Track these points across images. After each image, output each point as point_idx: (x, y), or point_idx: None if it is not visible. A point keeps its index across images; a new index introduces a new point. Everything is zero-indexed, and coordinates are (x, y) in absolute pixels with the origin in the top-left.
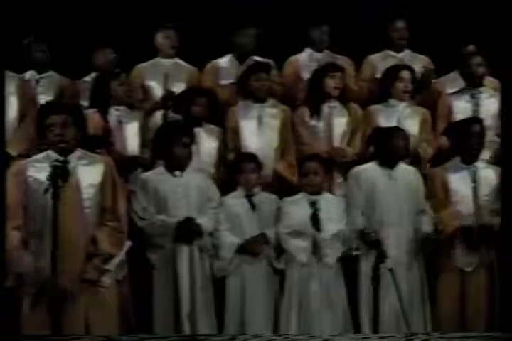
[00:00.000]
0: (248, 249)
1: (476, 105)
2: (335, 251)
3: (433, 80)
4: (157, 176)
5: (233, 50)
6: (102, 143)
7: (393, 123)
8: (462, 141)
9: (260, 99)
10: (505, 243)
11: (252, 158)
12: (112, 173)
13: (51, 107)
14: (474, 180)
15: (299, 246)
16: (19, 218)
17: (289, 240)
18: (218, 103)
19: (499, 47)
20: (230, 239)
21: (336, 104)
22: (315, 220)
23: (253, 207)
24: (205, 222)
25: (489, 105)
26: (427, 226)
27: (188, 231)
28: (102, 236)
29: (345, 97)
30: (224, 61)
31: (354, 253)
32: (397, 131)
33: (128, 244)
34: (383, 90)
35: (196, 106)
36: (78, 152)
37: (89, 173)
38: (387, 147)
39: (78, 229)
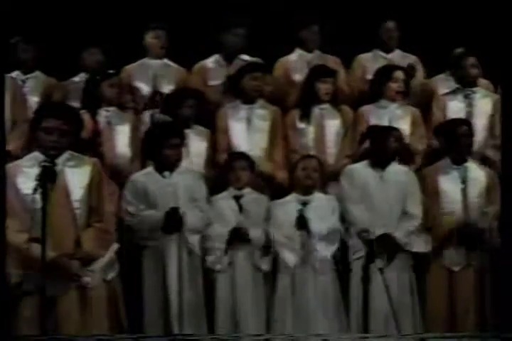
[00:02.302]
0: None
1: (470, 105)
2: (326, 252)
3: (425, 80)
4: (146, 177)
5: (221, 50)
6: (90, 145)
7: (384, 124)
8: (451, 142)
9: (250, 100)
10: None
11: (242, 156)
12: (98, 174)
13: (50, 110)
14: (464, 180)
15: (290, 256)
16: (20, 220)
17: (282, 245)
18: (207, 104)
19: (491, 47)
20: (218, 231)
21: (326, 106)
22: (302, 222)
23: (240, 208)
24: (190, 214)
25: (483, 105)
26: (400, 232)
27: (174, 219)
28: (87, 236)
29: (336, 100)
30: (211, 61)
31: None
32: (392, 131)
33: (115, 246)
34: (375, 90)
35: (185, 108)
36: (66, 154)
37: (77, 175)
38: (380, 147)
39: (69, 231)
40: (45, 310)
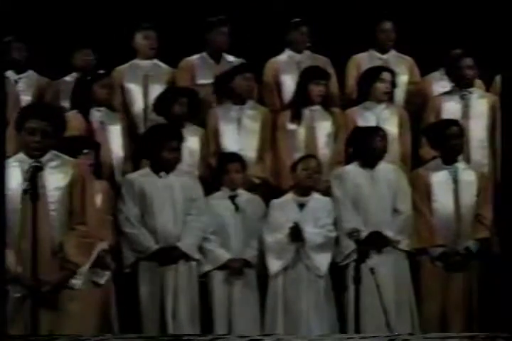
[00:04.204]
0: (229, 266)
1: (466, 106)
2: (323, 260)
3: (420, 80)
4: (143, 177)
5: (206, 48)
6: (89, 144)
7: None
8: (440, 143)
9: (240, 101)
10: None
11: (235, 158)
12: (81, 176)
13: (34, 110)
14: (455, 181)
15: (274, 263)
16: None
17: (269, 250)
18: (200, 102)
19: (486, 48)
20: (216, 254)
21: (317, 107)
22: (297, 234)
23: (236, 208)
24: (189, 243)
25: (479, 106)
26: (391, 230)
27: (172, 256)
28: (69, 244)
29: (327, 102)
30: (198, 58)
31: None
32: (375, 130)
33: (103, 244)
34: (362, 91)
35: (178, 106)
36: (49, 154)
37: (56, 176)
38: (366, 147)
39: (44, 232)
40: (35, 309)
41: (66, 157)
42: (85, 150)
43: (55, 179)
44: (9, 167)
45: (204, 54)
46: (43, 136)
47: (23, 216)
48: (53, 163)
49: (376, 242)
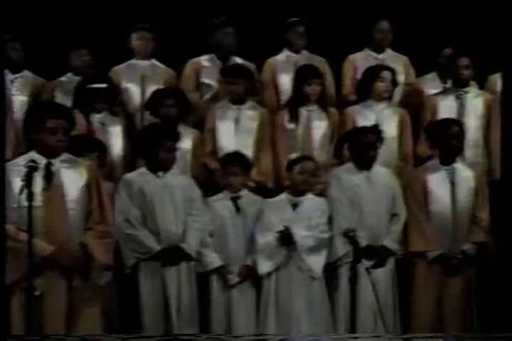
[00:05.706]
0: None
1: (462, 106)
2: (317, 261)
3: (414, 80)
4: (141, 176)
5: (214, 50)
6: (96, 145)
7: (371, 124)
8: (440, 142)
9: (239, 101)
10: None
11: (232, 160)
12: (96, 176)
13: (53, 110)
14: (452, 181)
15: (264, 264)
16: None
17: (260, 251)
18: (188, 103)
19: (482, 48)
20: (208, 259)
21: (314, 107)
22: (287, 239)
23: (237, 209)
24: (191, 244)
25: (474, 105)
26: (389, 239)
27: (175, 257)
28: (93, 245)
29: (324, 101)
30: (206, 59)
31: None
32: (367, 133)
33: None
34: (362, 90)
35: (164, 107)
36: (61, 155)
37: (72, 176)
38: (359, 150)
39: (63, 232)
40: (31, 308)
41: (77, 158)
42: (91, 153)
43: (72, 179)
44: (20, 165)
45: (213, 55)
46: (63, 134)
47: (42, 215)
48: (67, 164)
49: (375, 254)
